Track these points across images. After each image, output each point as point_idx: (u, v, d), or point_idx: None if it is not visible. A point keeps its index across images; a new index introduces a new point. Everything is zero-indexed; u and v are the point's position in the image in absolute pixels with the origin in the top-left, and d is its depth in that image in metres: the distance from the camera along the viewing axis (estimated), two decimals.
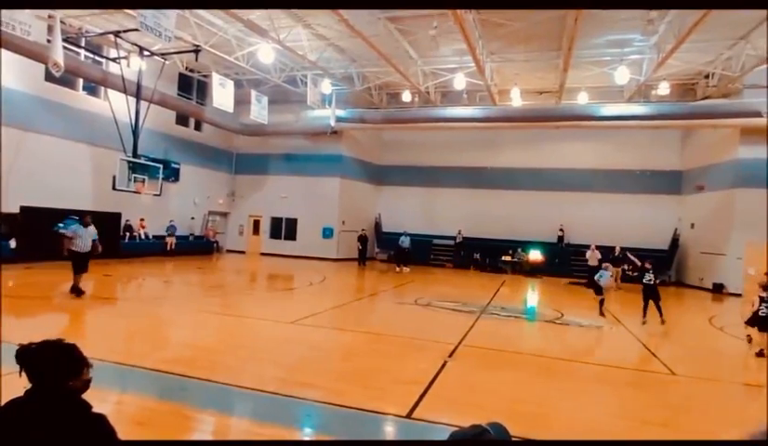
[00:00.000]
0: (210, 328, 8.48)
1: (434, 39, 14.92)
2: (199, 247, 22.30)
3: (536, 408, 5.31)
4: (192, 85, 22.38)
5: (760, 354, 8.18)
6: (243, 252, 24.64)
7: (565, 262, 22.08)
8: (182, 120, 21.94)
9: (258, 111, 19.53)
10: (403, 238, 21.87)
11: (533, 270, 21.89)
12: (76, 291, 9.86)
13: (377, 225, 26.29)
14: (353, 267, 21.89)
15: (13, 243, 14.30)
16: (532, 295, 16.73)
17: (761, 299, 8.43)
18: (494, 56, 18.26)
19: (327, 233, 23.83)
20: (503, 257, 22.91)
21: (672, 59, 15.23)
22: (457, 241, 24.02)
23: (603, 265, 12.21)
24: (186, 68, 20.84)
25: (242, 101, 19.71)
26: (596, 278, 11.42)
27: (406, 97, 21.88)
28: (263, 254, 24.27)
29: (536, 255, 22.51)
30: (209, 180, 23.76)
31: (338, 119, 21.62)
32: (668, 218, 22.21)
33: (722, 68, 17.51)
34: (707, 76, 18.92)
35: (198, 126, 23.05)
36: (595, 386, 6.43)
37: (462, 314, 11.04)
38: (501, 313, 11.62)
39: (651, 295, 10.46)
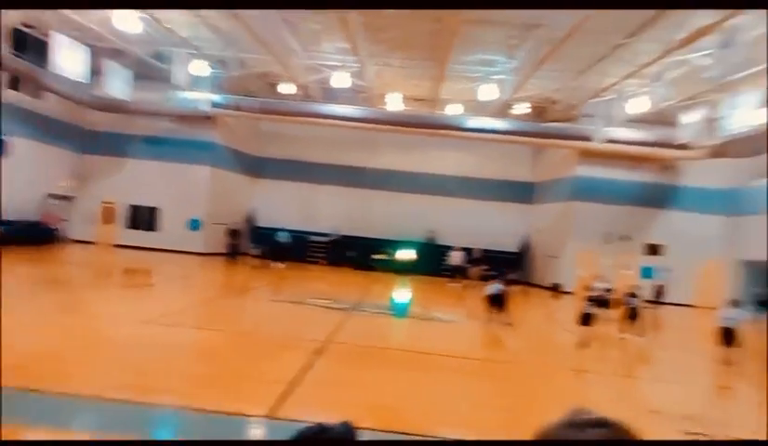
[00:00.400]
0: (45, 330, 7.31)
1: (318, 34, 14.76)
2: (35, 235, 19.10)
3: (394, 401, 5.54)
4: (37, 47, 18.98)
5: (584, 345, 9.61)
6: (92, 243, 21.77)
7: (435, 261, 23.55)
8: (15, 84, 18.60)
9: (118, 84, 17.41)
10: (280, 233, 21.32)
11: (404, 268, 22.93)
12: None
13: (252, 219, 25.25)
14: (223, 262, 20.72)
15: None
16: (402, 292, 17.51)
17: (589, 299, 9.93)
18: (376, 59, 18.70)
19: (194, 225, 22.19)
20: (376, 256, 23.62)
21: (529, 83, 17.15)
22: (333, 238, 24.17)
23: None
24: (25, 25, 17.71)
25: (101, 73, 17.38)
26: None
27: (287, 88, 21.32)
28: (118, 245, 21.73)
29: (408, 254, 23.65)
30: (50, 158, 20.53)
31: (212, 104, 20.26)
32: (520, 224, 24.98)
33: (567, 96, 20.20)
34: (554, 102, 21.67)
35: (38, 94, 19.74)
36: (451, 377, 6.93)
37: (333, 311, 11.11)
38: (372, 310, 11.94)
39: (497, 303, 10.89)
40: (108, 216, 22.44)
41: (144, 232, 22.20)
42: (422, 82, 20.69)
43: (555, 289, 20.87)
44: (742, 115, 13.20)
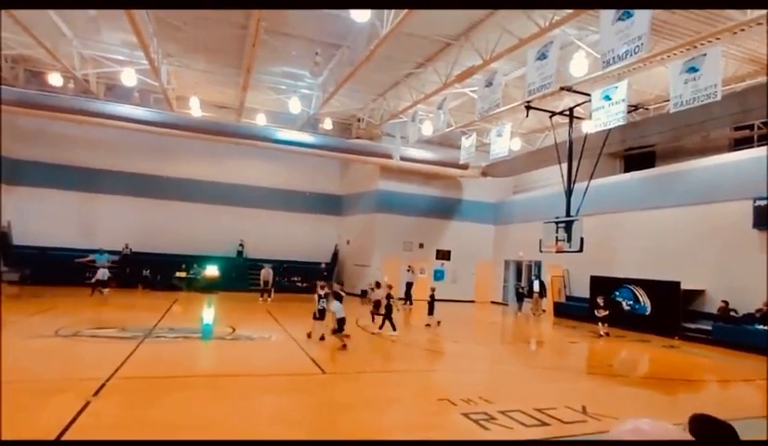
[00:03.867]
0: None
1: (94, 21, 12.73)
2: None
3: (184, 432, 4.99)
4: None
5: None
6: None
7: (244, 276, 22.47)
8: None
9: None
10: (97, 256, 17.58)
11: (210, 286, 21.31)
12: None
13: (5, 236, 20.25)
14: None
15: None
16: (206, 311, 16.18)
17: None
18: (171, 58, 17.11)
19: None
20: (177, 273, 21.43)
21: (334, 99, 17.89)
22: (124, 254, 21.08)
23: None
24: None
25: None
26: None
27: (56, 80, 17.88)
28: None
29: (213, 271, 22.05)
30: None
31: None
32: (330, 236, 25.74)
33: (369, 115, 21.73)
34: (359, 120, 23.10)
35: None
36: (259, 397, 6.59)
37: (120, 341, 9.59)
38: (169, 335, 10.69)
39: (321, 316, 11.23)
40: None
41: None
42: (226, 89, 19.76)
43: (364, 296, 22.05)
44: (502, 142, 16.08)
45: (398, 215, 23.19)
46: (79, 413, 5.25)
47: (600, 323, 14.35)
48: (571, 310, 18.63)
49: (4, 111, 18.16)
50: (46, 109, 17.80)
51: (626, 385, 9.09)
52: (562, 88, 13.74)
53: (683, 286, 14.36)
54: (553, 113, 15.62)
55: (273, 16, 12.65)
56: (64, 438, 4.55)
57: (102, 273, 16.59)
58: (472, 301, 24.17)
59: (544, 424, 5.81)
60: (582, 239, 13.29)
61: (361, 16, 11.39)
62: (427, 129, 18.51)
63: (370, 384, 7.84)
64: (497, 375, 9.46)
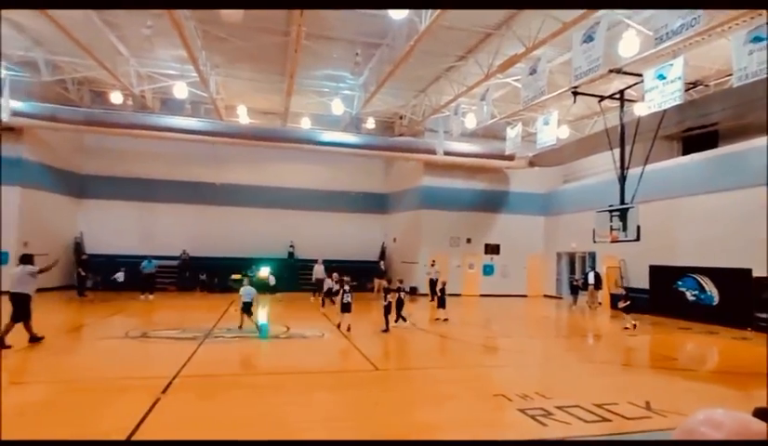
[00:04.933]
0: None
1: (149, 40, 13.48)
2: None
3: (248, 429, 5.19)
4: None
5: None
6: None
7: (295, 277, 23.08)
8: None
9: None
10: (145, 263, 18.86)
11: (264, 287, 22.01)
12: None
13: (79, 245, 21.85)
14: (44, 298, 17.41)
15: None
16: (261, 311, 16.75)
17: (343, 291, 11.82)
18: (219, 69, 17.81)
19: (2, 259, 18.35)
20: (232, 276, 22.29)
21: (376, 99, 17.99)
22: (183, 259, 22.18)
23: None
24: None
25: None
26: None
27: (116, 98, 19.07)
28: None
29: (266, 272, 22.77)
30: None
31: (15, 113, 17.08)
32: (376, 234, 25.95)
33: (411, 112, 21.70)
34: (401, 117, 23.11)
35: None
36: (316, 394, 6.78)
37: (183, 342, 10.11)
38: (227, 335, 11.17)
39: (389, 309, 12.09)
40: None
41: None
42: (271, 95, 20.33)
43: (413, 293, 22.08)
44: (549, 131, 15.61)
45: (444, 210, 23.01)
46: (150, 409, 5.60)
47: (624, 314, 13.65)
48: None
49: (74, 131, 19.62)
50: (108, 126, 19.07)
51: (693, 379, 8.61)
52: (610, 71, 13.16)
53: (755, 273, 13.38)
54: (602, 97, 14.99)
55: (314, 20, 12.89)
56: (138, 431, 4.87)
57: (120, 276, 19.07)
58: (524, 295, 23.62)
59: (605, 420, 5.61)
60: (639, 227, 12.69)
61: (398, 13, 11.40)
62: (470, 122, 18.26)
63: (423, 380, 7.86)
64: (554, 370, 9.21)
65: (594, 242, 14.69)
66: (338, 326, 11.91)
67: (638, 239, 12.75)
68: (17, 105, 17.07)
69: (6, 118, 16.63)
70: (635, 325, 13.39)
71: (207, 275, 22.21)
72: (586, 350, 11.82)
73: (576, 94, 14.59)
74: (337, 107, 19.05)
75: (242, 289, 11.78)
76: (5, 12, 13.48)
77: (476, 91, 16.40)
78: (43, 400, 6.27)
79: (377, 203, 26.33)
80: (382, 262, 23.84)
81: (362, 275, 21.37)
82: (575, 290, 19.98)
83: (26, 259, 9.53)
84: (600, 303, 18.99)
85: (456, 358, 10.02)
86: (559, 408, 5.92)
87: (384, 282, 13.41)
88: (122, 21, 14.04)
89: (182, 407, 5.93)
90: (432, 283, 19.93)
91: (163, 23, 12.17)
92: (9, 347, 8.73)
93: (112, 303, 16.78)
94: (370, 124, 22.04)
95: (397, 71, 14.40)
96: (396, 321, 12.45)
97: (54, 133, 19.75)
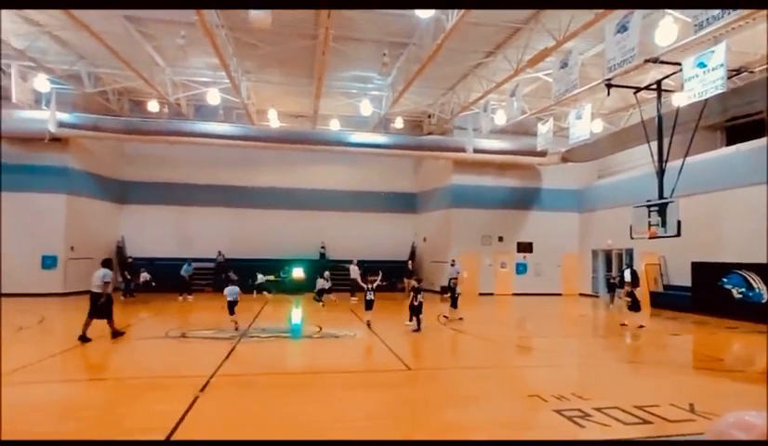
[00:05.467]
0: None
1: (183, 49, 13.91)
2: None
3: (284, 427, 5.29)
4: None
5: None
6: None
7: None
8: None
9: None
10: (185, 266, 19.56)
11: (296, 288, 22.37)
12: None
13: (121, 249, 22.77)
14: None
15: None
16: (294, 312, 17.03)
17: (367, 289, 12.35)
18: (249, 75, 18.20)
19: (49, 263, 19.37)
20: (266, 277, 22.73)
21: (404, 98, 17.97)
22: (218, 261, 22.77)
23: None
24: None
25: None
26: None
27: (153, 106, 19.79)
28: None
29: (298, 273, 23.12)
30: None
31: (62, 124, 17.95)
32: (406, 234, 25.93)
33: (439, 110, 21.57)
34: (429, 116, 23.00)
35: None
36: (349, 393, 6.84)
37: (220, 341, 10.39)
38: (262, 335, 11.41)
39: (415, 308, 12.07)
40: None
41: None
42: (300, 98, 20.62)
43: (444, 292, 21.94)
44: (581, 125, 15.21)
45: (474, 208, 22.77)
46: (190, 406, 5.78)
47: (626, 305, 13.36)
48: (670, 300, 17.17)
49: (114, 140, 20.48)
50: (146, 133, 19.82)
51: (740, 381, 8.21)
52: (646, 61, 12.70)
53: None
54: (638, 89, 14.50)
55: (341, 22, 13.00)
56: (180, 429, 5.04)
57: (145, 275, 19.79)
58: (559, 294, 23.11)
59: (645, 422, 5.43)
60: (679, 222, 12.20)
61: (425, 12, 11.35)
62: (500, 118, 18.00)
63: (456, 380, 7.80)
64: (591, 371, 8.97)
65: (632, 238, 14.22)
66: (368, 324, 12.10)
67: (678, 234, 12.26)
68: (63, 117, 17.93)
69: (53, 129, 17.51)
70: (642, 326, 13.11)
71: (241, 276, 22.68)
72: (625, 350, 11.46)
73: (609, 86, 14.17)
74: (366, 108, 19.14)
75: (226, 289, 12.28)
76: (51, 29, 14.21)
77: (505, 87, 16.16)
78: (90, 396, 6.57)
79: (406, 203, 26.31)
80: (410, 262, 23.76)
81: (392, 275, 21.37)
82: (612, 288, 19.38)
83: (106, 263, 10.52)
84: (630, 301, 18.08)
85: (489, 358, 9.90)
86: (597, 409, 5.77)
87: (414, 282, 13.32)
88: (158, 33, 14.55)
89: (219, 405, 6.10)
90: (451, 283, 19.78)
91: (196, 33, 12.54)
92: (90, 340, 9.68)
93: (152, 304, 17.40)
94: (398, 123, 22.03)
95: (425, 69, 14.34)
96: (410, 321, 12.23)
97: (97, 142, 20.65)
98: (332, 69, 16.53)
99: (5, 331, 12.14)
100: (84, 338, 9.67)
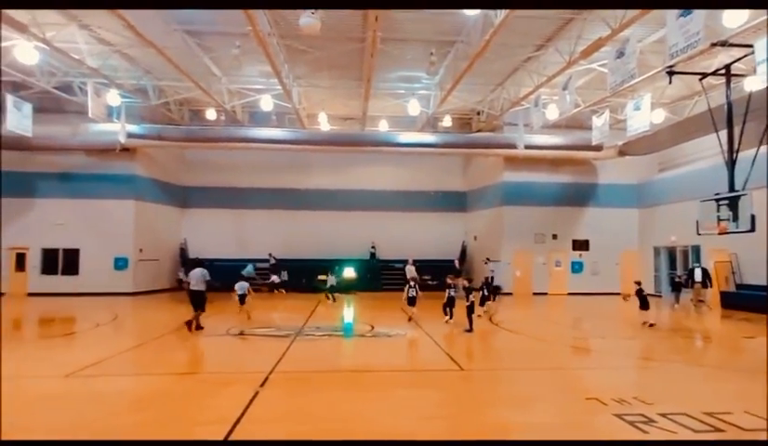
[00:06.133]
0: None
1: (237, 58, 14.53)
2: None
3: (341, 424, 5.42)
4: None
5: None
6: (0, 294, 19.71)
7: (377, 277, 23.58)
8: None
9: (19, 120, 16.07)
10: (249, 267, 20.63)
11: (348, 287, 22.74)
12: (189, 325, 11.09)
13: (183, 251, 24.07)
14: (156, 300, 19.50)
15: None
16: (346, 311, 17.33)
17: (409, 286, 12.87)
18: (300, 80, 18.70)
19: (121, 264, 20.81)
20: (318, 277, 23.26)
21: (452, 96, 17.83)
22: (271, 263, 23.56)
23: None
24: None
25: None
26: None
27: (211, 115, 20.81)
28: (31, 294, 19.85)
29: (349, 273, 23.49)
30: None
31: (130, 135, 19.24)
32: (457, 233, 25.69)
33: (488, 107, 21.21)
34: (478, 113, 22.67)
35: None
36: (401, 391, 6.91)
37: (277, 339, 10.77)
38: (316, 333, 11.71)
39: (449, 303, 12.71)
40: (19, 262, 20.50)
41: (62, 277, 20.48)
42: (349, 101, 20.95)
43: (496, 292, 21.56)
44: (641, 116, 14.47)
45: (527, 206, 22.23)
46: (251, 401, 6.06)
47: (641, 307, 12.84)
48: (743, 300, 15.99)
49: (176, 147, 21.72)
50: (205, 140, 20.90)
51: None
52: (713, 44, 11.89)
53: None
54: (704, 75, 13.57)
55: (388, 24, 13.10)
56: (241, 422, 5.29)
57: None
58: (617, 294, 22.08)
59: (717, 429, 5.12)
60: (753, 216, 11.31)
61: (472, 10, 11.23)
62: (552, 113, 17.47)
63: (510, 381, 7.68)
64: (655, 374, 8.54)
65: (698, 234, 13.36)
66: (410, 319, 12.89)
67: (752, 230, 11.39)
68: (131, 128, 19.23)
69: (123, 140, 18.84)
70: (652, 324, 12.78)
71: (295, 276, 23.36)
72: (693, 353, 10.81)
73: (671, 74, 13.35)
74: (414, 107, 19.16)
75: (236, 284, 13.68)
76: (121, 47, 15.26)
77: (557, 80, 15.67)
78: (157, 391, 7.02)
79: (456, 202, 26.07)
80: (456, 261, 23.49)
81: (443, 274, 21.21)
82: (677, 287, 18.24)
83: (200, 263, 12.08)
84: (703, 302, 16.90)
85: (544, 359, 9.65)
86: (662, 415, 5.51)
87: (465, 282, 13.25)
88: (214, 44, 15.28)
89: (278, 401, 6.34)
90: (487, 280, 19.33)
91: (249, 42, 13.05)
92: (202, 328, 11.46)
93: (212, 303, 18.24)
94: (447, 122, 21.88)
95: (473, 66, 14.18)
96: (450, 318, 12.59)
97: (160, 150, 21.96)
98: (380, 70, 16.68)
99: (85, 326, 13.22)
100: (198, 327, 11.38)
